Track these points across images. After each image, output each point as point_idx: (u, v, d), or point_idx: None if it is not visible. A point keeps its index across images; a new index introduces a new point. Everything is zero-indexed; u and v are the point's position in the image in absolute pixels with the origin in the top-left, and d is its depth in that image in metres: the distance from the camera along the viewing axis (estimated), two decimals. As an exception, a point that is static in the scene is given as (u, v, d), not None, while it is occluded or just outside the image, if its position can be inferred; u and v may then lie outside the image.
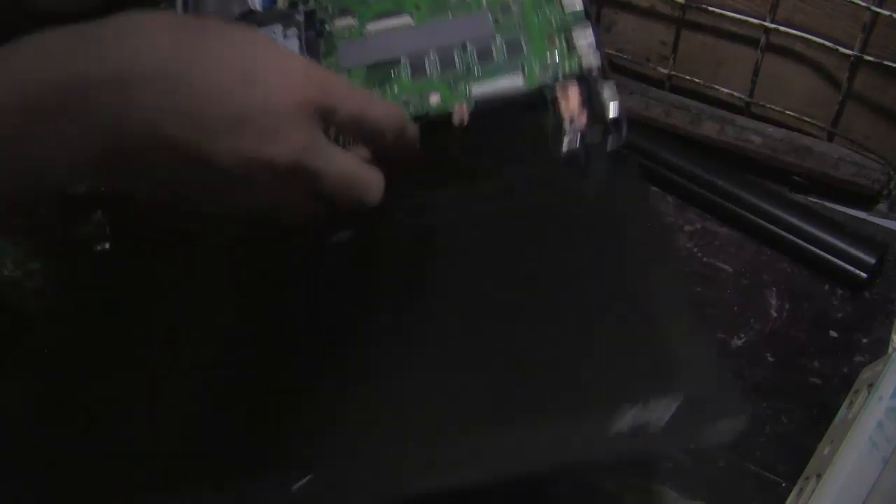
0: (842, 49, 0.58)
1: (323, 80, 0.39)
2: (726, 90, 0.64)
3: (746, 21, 0.60)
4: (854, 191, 0.60)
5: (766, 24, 0.60)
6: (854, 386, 0.49)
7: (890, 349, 0.53)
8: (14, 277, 0.57)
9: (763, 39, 0.60)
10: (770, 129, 0.62)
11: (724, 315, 0.55)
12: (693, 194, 0.61)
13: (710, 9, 0.61)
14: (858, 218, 0.60)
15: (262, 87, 0.38)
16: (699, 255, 0.58)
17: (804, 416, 0.50)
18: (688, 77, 0.65)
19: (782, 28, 0.59)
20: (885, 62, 0.57)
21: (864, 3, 0.56)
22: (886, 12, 0.55)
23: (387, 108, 0.42)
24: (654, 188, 0.62)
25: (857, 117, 0.61)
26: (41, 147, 0.35)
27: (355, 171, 0.40)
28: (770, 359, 0.53)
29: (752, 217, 0.59)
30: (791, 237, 0.57)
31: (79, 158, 0.36)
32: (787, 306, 0.55)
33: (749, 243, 0.59)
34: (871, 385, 0.46)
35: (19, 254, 0.58)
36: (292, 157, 0.38)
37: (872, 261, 0.55)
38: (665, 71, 0.65)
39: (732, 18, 0.61)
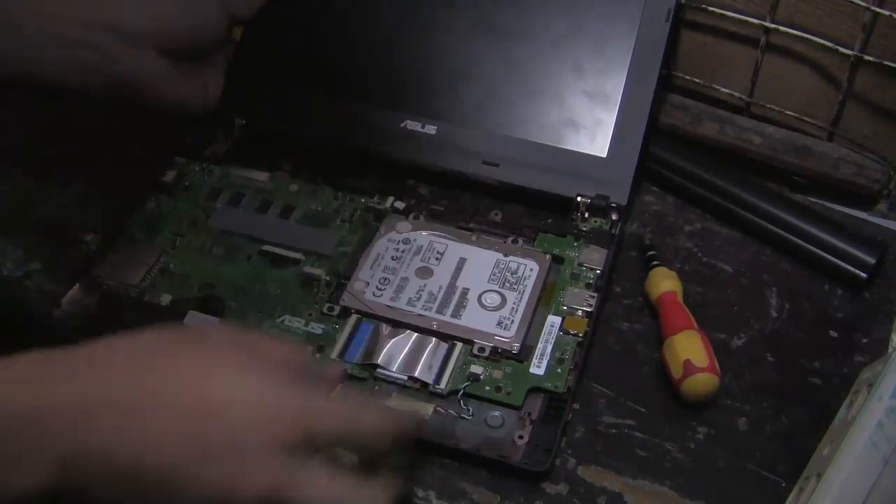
0: (842, 49, 0.58)
1: (297, 409, 0.38)
2: (726, 90, 0.64)
3: (746, 21, 0.60)
4: (854, 191, 0.60)
5: (766, 24, 0.60)
6: (854, 386, 0.49)
7: (890, 349, 0.53)
8: (14, 277, 0.57)
9: (763, 39, 0.60)
10: (770, 129, 0.62)
11: (724, 315, 0.55)
12: (693, 194, 0.61)
13: (710, 9, 0.61)
14: (858, 218, 0.60)
15: (228, 421, 0.37)
16: (699, 254, 0.58)
17: (804, 415, 0.50)
18: (688, 77, 0.65)
19: (782, 28, 0.59)
20: (885, 62, 0.57)
21: (863, 4, 0.56)
22: (886, 12, 0.55)
23: (374, 418, 0.40)
24: (654, 188, 0.62)
25: (856, 117, 0.61)
26: None
27: (343, 497, 0.39)
28: (770, 359, 0.53)
29: (752, 217, 0.59)
30: (791, 237, 0.57)
31: (29, 482, 0.35)
32: (787, 306, 0.55)
33: (749, 243, 0.59)
34: (870, 385, 0.46)
35: (19, 254, 0.58)
36: (264, 494, 0.36)
37: (872, 261, 0.56)
38: (665, 71, 0.65)
39: (732, 18, 0.61)
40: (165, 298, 0.54)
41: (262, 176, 0.61)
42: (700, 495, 0.47)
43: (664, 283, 0.55)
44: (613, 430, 0.50)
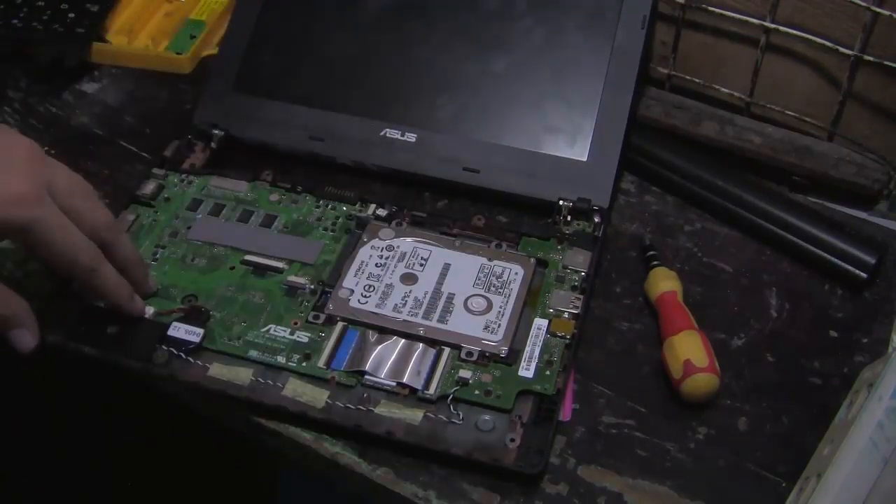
0: (842, 49, 0.58)
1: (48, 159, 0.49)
2: (726, 90, 0.64)
3: (747, 21, 0.60)
4: (854, 191, 0.60)
5: (766, 24, 0.60)
6: (854, 386, 0.49)
7: (890, 349, 0.53)
8: (14, 277, 0.57)
9: (763, 39, 0.60)
10: (770, 129, 0.62)
11: (725, 315, 0.55)
12: (693, 194, 0.61)
13: (711, 9, 0.61)
14: (858, 218, 0.60)
15: None
16: (699, 254, 0.58)
17: (804, 416, 0.50)
18: (688, 77, 0.65)
19: (782, 28, 0.59)
20: (886, 62, 0.57)
21: (864, 3, 0.56)
22: (886, 12, 0.55)
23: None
24: (654, 188, 0.62)
25: (857, 117, 0.61)
26: None
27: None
28: (770, 359, 0.53)
29: (752, 217, 0.59)
30: (791, 237, 0.57)
31: None
32: (787, 306, 0.55)
33: (749, 243, 0.59)
34: (871, 385, 0.46)
35: (19, 254, 0.58)
36: (30, 202, 0.46)
37: (872, 261, 0.56)
38: (665, 71, 0.65)
39: (732, 18, 0.61)
40: (148, 310, 0.53)
41: (241, 186, 0.61)
42: (700, 495, 0.47)
43: (664, 283, 0.55)
44: (613, 430, 0.50)
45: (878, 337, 0.54)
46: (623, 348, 0.54)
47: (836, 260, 0.56)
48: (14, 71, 0.71)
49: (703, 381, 0.49)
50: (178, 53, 0.71)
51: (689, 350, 0.50)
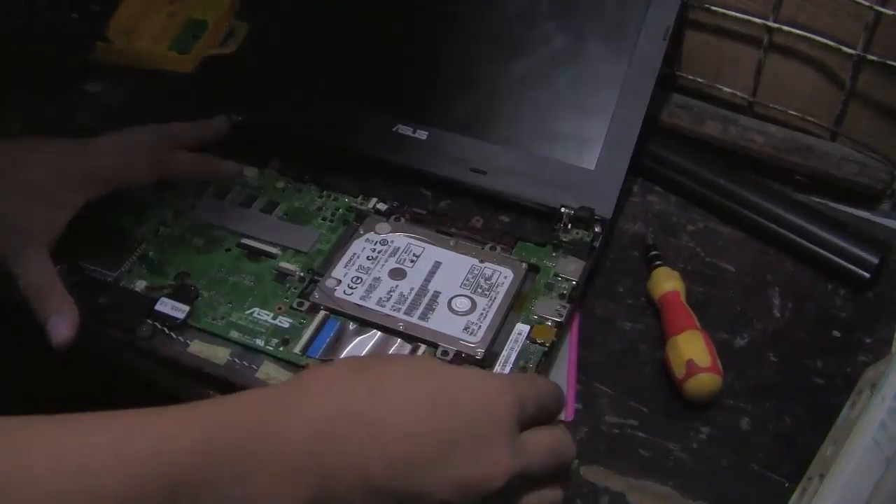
0: (845, 49, 0.58)
1: (516, 389, 0.38)
2: (729, 90, 0.64)
3: (750, 21, 0.60)
4: (857, 190, 0.60)
5: (769, 23, 0.60)
6: (857, 386, 0.49)
7: (893, 349, 0.53)
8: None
9: (766, 39, 0.60)
10: (773, 128, 0.62)
11: (728, 315, 0.55)
12: (696, 194, 0.61)
13: (714, 8, 0.61)
14: (861, 217, 0.60)
15: (465, 405, 0.37)
16: (702, 254, 0.58)
17: (807, 415, 0.50)
18: (691, 77, 0.65)
19: (785, 28, 0.59)
20: (888, 62, 0.57)
21: (867, 3, 0.55)
22: (890, 12, 0.55)
23: (548, 382, 0.42)
24: (657, 188, 0.62)
25: (860, 117, 0.61)
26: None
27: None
28: (773, 358, 0.53)
29: (755, 217, 0.59)
30: (794, 237, 0.57)
31: None
32: (790, 306, 0.55)
33: (752, 243, 0.59)
34: (873, 385, 0.46)
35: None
36: (515, 472, 0.37)
37: (875, 260, 0.55)
38: (668, 70, 0.65)
39: (736, 18, 0.61)
40: (140, 284, 0.55)
41: (251, 172, 0.62)
42: (703, 495, 0.47)
43: (667, 282, 0.55)
44: (616, 430, 0.50)
45: (881, 337, 0.54)
46: (625, 348, 0.54)
47: (838, 259, 0.56)
48: (16, 71, 0.71)
49: (705, 381, 0.49)
50: (180, 53, 0.71)
51: (691, 350, 0.50)
